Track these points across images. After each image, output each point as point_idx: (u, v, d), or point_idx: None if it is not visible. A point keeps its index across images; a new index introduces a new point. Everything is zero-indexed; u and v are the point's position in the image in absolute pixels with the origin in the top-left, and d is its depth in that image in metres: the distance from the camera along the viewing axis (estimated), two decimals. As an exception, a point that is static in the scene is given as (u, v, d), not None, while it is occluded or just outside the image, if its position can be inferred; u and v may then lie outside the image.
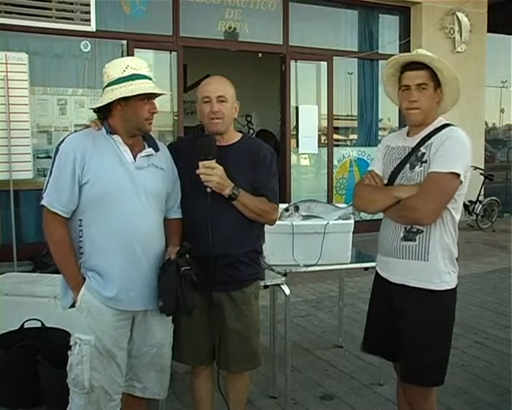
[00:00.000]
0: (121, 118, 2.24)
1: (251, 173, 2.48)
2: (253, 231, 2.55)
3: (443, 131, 2.29)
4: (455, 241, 2.35)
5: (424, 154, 2.29)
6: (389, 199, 2.33)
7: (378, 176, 2.45)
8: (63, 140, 2.24)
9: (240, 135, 2.60)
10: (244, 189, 2.42)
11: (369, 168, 2.54)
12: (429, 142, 2.29)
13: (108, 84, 2.23)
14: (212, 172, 2.34)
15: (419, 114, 2.32)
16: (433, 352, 2.31)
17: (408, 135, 2.42)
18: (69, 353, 2.25)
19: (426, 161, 2.27)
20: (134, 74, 2.21)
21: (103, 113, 2.26)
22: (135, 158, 2.27)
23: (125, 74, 2.20)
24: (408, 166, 2.33)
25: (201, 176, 2.34)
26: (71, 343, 2.25)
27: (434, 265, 2.28)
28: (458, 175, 2.21)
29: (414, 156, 2.32)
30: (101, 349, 2.21)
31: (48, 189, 2.19)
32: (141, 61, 2.29)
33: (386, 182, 2.43)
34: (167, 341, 2.42)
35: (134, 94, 2.18)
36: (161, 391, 2.45)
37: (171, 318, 2.42)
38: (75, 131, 2.37)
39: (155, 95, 2.28)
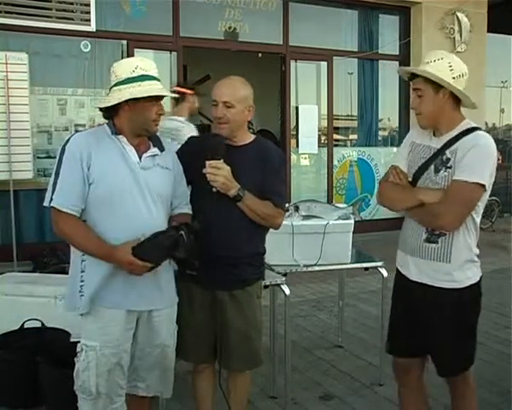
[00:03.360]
0: (128, 118, 2.22)
1: (259, 176, 2.47)
2: (257, 233, 2.54)
3: (469, 136, 2.28)
4: (476, 240, 2.38)
5: (449, 159, 2.28)
6: (413, 201, 2.34)
7: (403, 173, 2.44)
8: (68, 140, 2.22)
9: (252, 137, 2.60)
10: (250, 191, 2.41)
11: (393, 164, 2.51)
12: (455, 146, 2.28)
13: (116, 84, 2.21)
14: (217, 173, 2.34)
15: (422, 119, 2.36)
16: (464, 345, 2.38)
17: (434, 134, 2.40)
18: (75, 359, 2.24)
19: (451, 167, 2.27)
20: (143, 75, 2.19)
21: (110, 112, 2.25)
22: (140, 158, 2.26)
23: (135, 75, 2.19)
24: (433, 168, 2.33)
25: (207, 175, 2.35)
26: (77, 350, 2.24)
27: (456, 265, 2.32)
28: (483, 185, 2.22)
29: (439, 160, 2.32)
30: (107, 354, 2.20)
31: (57, 190, 2.15)
32: (150, 62, 2.27)
33: (410, 180, 2.42)
34: (171, 341, 2.41)
35: (144, 96, 2.17)
36: (165, 390, 2.45)
37: (174, 318, 2.42)
38: (76, 131, 2.36)
39: (163, 96, 2.27)
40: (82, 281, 2.21)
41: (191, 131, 3.89)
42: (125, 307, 2.23)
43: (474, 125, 2.34)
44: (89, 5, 6.57)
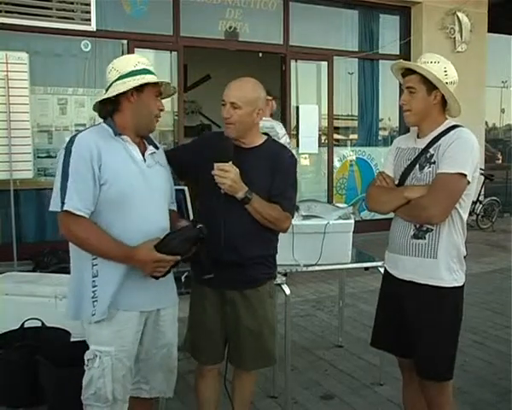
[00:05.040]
0: (133, 111, 2.21)
1: (268, 179, 2.46)
2: (266, 236, 2.52)
3: (451, 132, 2.34)
4: (463, 240, 2.42)
5: (433, 155, 2.34)
6: (399, 199, 2.39)
7: (389, 177, 2.52)
8: (72, 140, 2.14)
9: (264, 138, 2.58)
10: (259, 193, 2.41)
11: (381, 170, 2.60)
12: (438, 143, 2.34)
13: (119, 78, 2.21)
14: (224, 175, 2.34)
15: (410, 116, 2.41)
16: (446, 348, 2.39)
17: (418, 137, 2.47)
18: (86, 368, 2.18)
19: (434, 162, 2.33)
20: (145, 69, 2.23)
21: (112, 106, 2.22)
22: (143, 156, 2.26)
23: (138, 68, 2.21)
24: (417, 166, 2.39)
25: (215, 177, 2.35)
26: (87, 357, 2.17)
27: (443, 262, 2.35)
28: (465, 175, 2.26)
29: (423, 157, 2.38)
30: (122, 358, 2.18)
31: (69, 193, 2.07)
32: (147, 60, 2.31)
33: (397, 183, 2.48)
34: (175, 340, 2.41)
35: (153, 81, 2.20)
36: (168, 390, 2.44)
37: (177, 317, 2.42)
38: (76, 131, 2.35)
39: (162, 94, 2.31)
40: (95, 286, 2.14)
41: (281, 127, 4.94)
42: (139, 308, 2.22)
43: (455, 123, 2.40)
44: (89, 5, 6.58)
